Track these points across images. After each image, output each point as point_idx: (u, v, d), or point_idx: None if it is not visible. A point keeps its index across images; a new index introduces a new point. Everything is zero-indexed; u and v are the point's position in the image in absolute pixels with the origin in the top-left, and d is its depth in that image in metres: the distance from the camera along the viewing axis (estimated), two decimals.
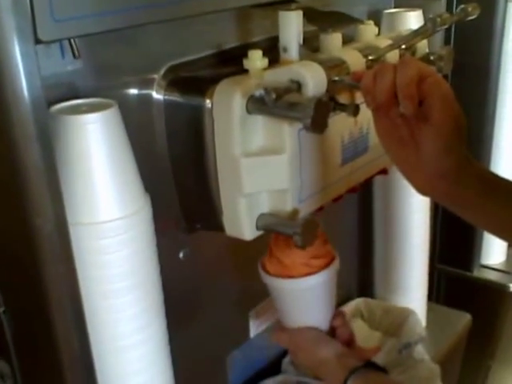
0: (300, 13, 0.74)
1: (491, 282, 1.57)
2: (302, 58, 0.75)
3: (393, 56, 0.81)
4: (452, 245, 1.55)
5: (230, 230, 0.76)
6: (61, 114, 0.58)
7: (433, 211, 1.26)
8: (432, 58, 0.83)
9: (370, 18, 1.05)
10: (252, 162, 0.71)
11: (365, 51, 0.80)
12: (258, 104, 0.68)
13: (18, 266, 0.58)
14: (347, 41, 0.84)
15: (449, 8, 1.23)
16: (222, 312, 0.94)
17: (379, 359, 0.97)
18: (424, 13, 1.06)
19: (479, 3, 0.80)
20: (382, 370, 0.81)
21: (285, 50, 0.76)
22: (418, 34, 0.80)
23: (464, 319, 1.33)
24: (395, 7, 1.12)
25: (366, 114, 0.72)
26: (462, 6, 0.75)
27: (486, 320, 1.48)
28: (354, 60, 0.78)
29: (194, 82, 0.75)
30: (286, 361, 1.06)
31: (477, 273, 1.58)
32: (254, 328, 1.01)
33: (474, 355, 1.42)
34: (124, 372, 0.65)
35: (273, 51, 0.76)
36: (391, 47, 0.81)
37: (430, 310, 1.32)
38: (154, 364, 0.67)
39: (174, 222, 0.81)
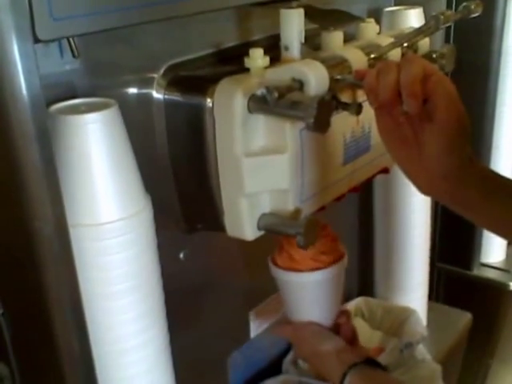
0: (301, 11, 0.73)
1: (491, 281, 1.57)
2: (304, 56, 0.75)
3: (395, 54, 0.81)
4: (452, 243, 1.55)
5: (232, 230, 0.75)
6: (60, 113, 0.57)
7: (433, 210, 1.26)
8: (434, 55, 0.82)
9: (370, 16, 1.05)
10: (253, 162, 0.70)
11: (366, 49, 0.79)
12: (259, 103, 0.67)
13: (18, 269, 0.57)
14: (348, 39, 0.84)
15: (449, 6, 1.23)
16: (223, 313, 0.94)
17: (382, 359, 0.97)
18: (424, 11, 1.06)
19: (480, 0, 0.79)
20: (381, 367, 0.81)
21: (286, 48, 0.75)
22: (420, 31, 0.80)
23: (465, 318, 1.33)
24: (395, 5, 1.11)
25: (368, 112, 0.72)
26: (465, 3, 0.75)
27: (486, 318, 1.48)
28: (356, 58, 0.77)
29: (194, 80, 0.74)
30: (286, 361, 1.06)
31: (477, 271, 1.58)
32: (255, 328, 1.01)
33: (474, 353, 1.42)
34: (125, 375, 0.64)
35: (274, 49, 0.75)
36: (393, 45, 0.80)
37: (430, 309, 1.31)
38: (155, 366, 0.66)
39: (175, 222, 0.80)
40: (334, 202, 0.83)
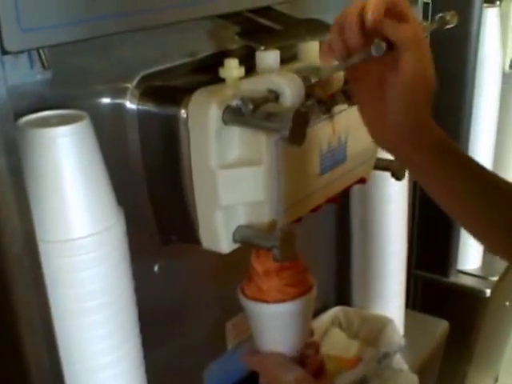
0: (277, 52, 0.74)
1: (467, 288, 1.58)
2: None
3: None
4: (428, 250, 1.55)
5: (207, 242, 0.74)
6: (29, 126, 0.56)
7: (410, 217, 1.26)
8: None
9: None
10: (228, 174, 0.69)
11: None
12: (234, 114, 0.66)
13: None
14: None
15: (425, 16, 1.23)
16: (199, 325, 0.93)
17: (359, 370, 0.97)
18: None
19: (455, 10, 0.79)
20: None
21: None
22: None
23: (441, 326, 1.33)
24: None
25: (344, 123, 0.71)
26: (441, 14, 0.74)
27: (463, 325, 1.49)
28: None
29: (168, 91, 0.73)
30: None
31: (453, 278, 1.59)
32: (231, 340, 1.00)
33: (451, 360, 1.42)
34: None
35: (249, 59, 0.74)
36: None
37: (407, 317, 1.31)
38: (128, 383, 0.65)
39: (149, 235, 0.79)
40: (310, 212, 0.83)
